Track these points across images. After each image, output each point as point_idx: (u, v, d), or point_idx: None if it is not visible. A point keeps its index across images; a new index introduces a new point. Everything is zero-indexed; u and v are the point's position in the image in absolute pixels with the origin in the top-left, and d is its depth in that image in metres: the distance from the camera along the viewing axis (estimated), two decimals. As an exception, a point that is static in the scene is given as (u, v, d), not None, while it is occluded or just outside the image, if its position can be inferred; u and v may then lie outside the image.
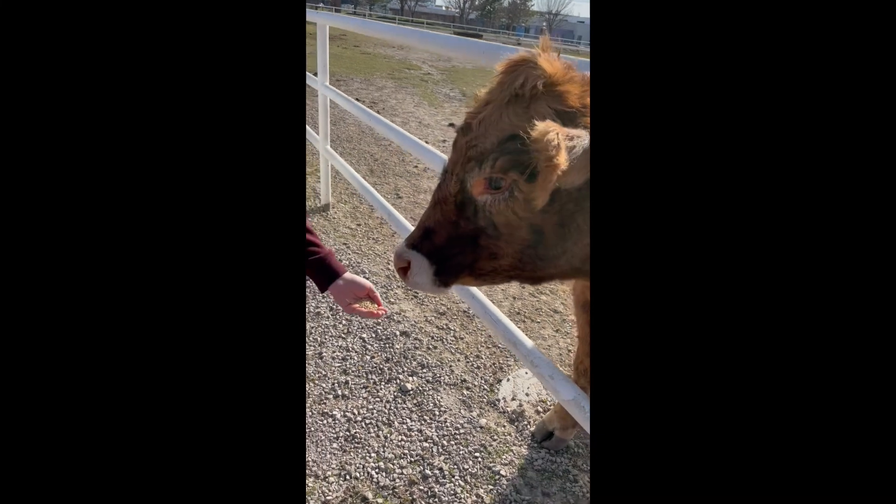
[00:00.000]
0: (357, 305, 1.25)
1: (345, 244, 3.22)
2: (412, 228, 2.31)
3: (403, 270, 1.09)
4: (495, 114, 0.97)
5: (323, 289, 1.25)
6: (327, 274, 1.23)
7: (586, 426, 1.35)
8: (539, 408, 2.10)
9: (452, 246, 1.04)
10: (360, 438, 1.84)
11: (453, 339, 2.44)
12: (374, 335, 2.39)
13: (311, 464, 1.72)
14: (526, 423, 2.01)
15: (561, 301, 2.90)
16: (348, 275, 1.26)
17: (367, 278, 2.83)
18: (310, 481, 1.66)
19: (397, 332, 2.42)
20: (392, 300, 2.67)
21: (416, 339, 2.40)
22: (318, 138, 3.59)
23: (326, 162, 3.60)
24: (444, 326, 2.51)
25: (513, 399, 2.12)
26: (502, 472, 1.77)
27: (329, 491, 1.63)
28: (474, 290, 1.81)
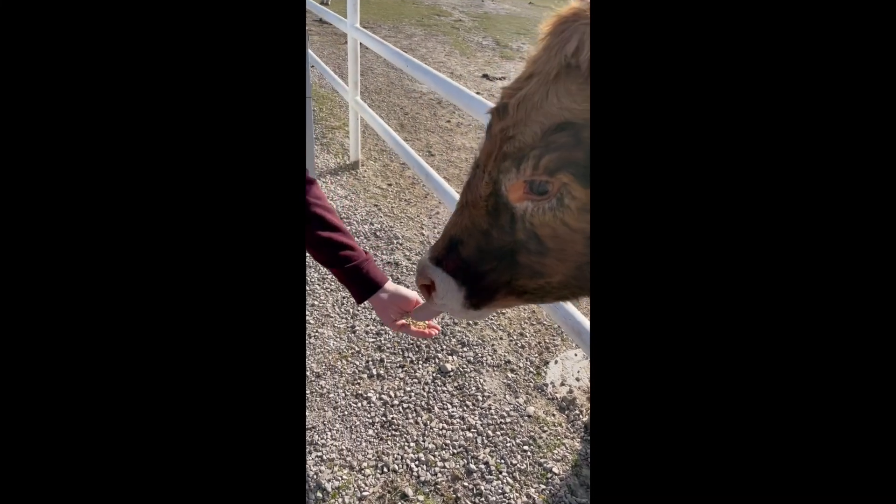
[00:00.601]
0: (405, 322, 1.03)
1: (376, 206, 2.99)
2: (448, 189, 2.09)
3: (427, 289, 0.88)
4: (539, 92, 0.70)
5: (361, 300, 1.03)
6: (366, 284, 1.01)
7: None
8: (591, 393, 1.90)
9: (484, 261, 0.80)
10: (398, 425, 1.69)
11: (494, 314, 2.23)
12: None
13: (345, 452, 1.58)
14: (578, 412, 1.81)
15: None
16: (391, 285, 1.04)
17: (399, 244, 2.62)
18: (344, 472, 1.52)
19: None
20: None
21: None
22: (346, 88, 3.29)
23: (356, 115, 3.31)
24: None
25: (562, 384, 1.92)
26: (554, 470, 1.60)
27: (365, 485, 1.49)
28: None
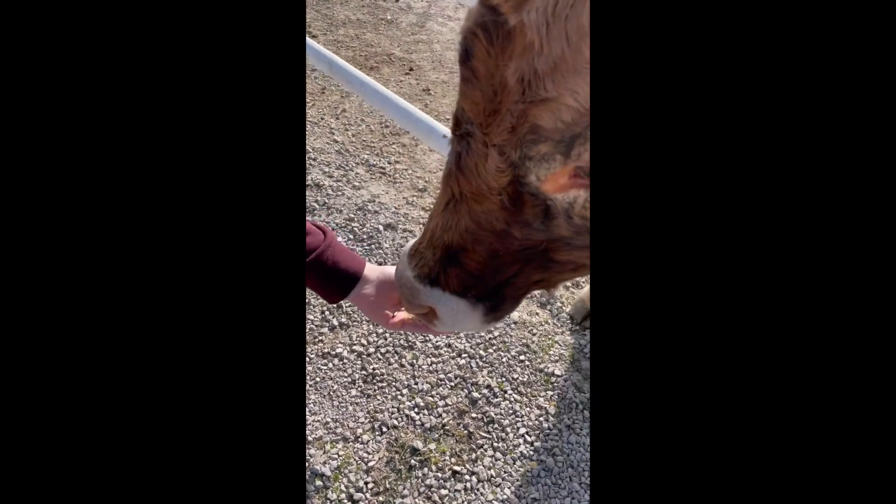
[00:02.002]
0: (402, 316, 0.74)
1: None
2: (353, 73, 1.64)
3: (425, 317, 0.65)
4: (580, 6, 0.39)
5: (335, 300, 0.71)
6: (337, 280, 0.69)
7: None
8: (567, 283, 1.81)
9: (503, 269, 0.57)
10: (382, 375, 1.47)
11: (446, 219, 1.98)
12: (352, 235, 1.86)
13: (332, 424, 1.35)
14: (560, 304, 1.72)
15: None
16: (372, 270, 0.73)
17: (312, 161, 2.15)
18: (339, 447, 1.31)
19: (380, 227, 1.90)
20: (356, 183, 2.07)
21: (404, 230, 1.91)
22: None
23: None
24: (432, 206, 2.02)
25: (537, 279, 1.80)
26: (556, 371, 1.52)
27: (368, 454, 1.30)
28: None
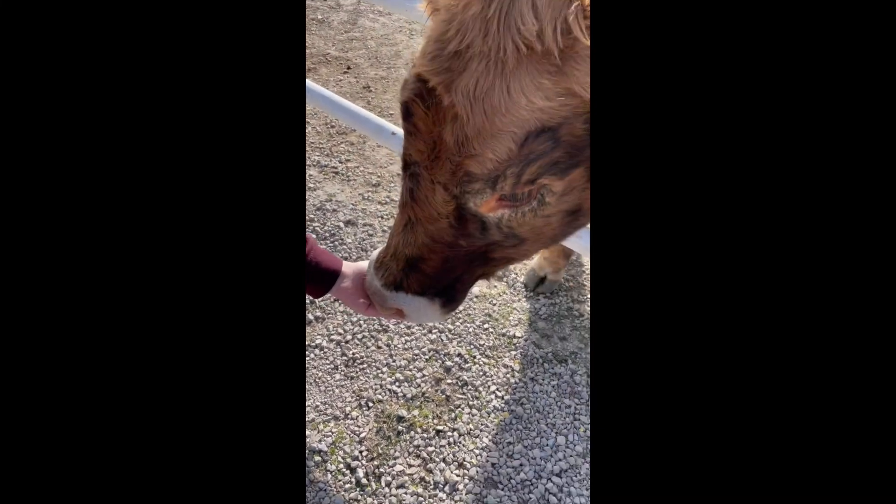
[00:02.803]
0: (379, 312, 0.86)
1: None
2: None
3: (395, 314, 0.81)
4: (497, 89, 0.54)
5: (319, 295, 0.85)
6: (319, 277, 0.83)
7: None
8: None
9: (453, 269, 0.73)
10: (362, 358, 1.60)
11: (402, 210, 2.11)
12: (314, 235, 1.95)
13: (322, 407, 1.48)
14: (514, 276, 1.91)
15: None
16: (348, 266, 0.86)
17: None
18: (331, 426, 1.44)
19: (340, 223, 2.00)
20: (310, 185, 2.16)
21: (365, 225, 2.02)
22: None
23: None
24: (387, 199, 2.14)
25: (491, 255, 1.98)
26: (517, 334, 1.71)
27: (358, 426, 1.44)
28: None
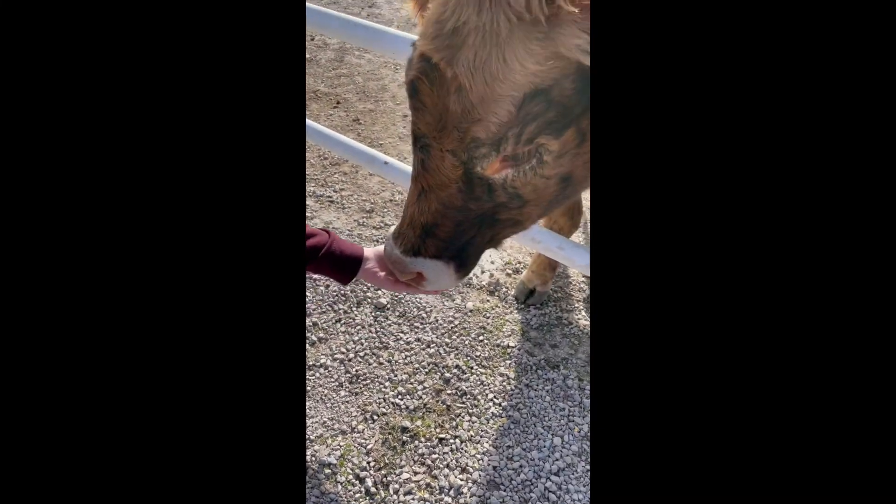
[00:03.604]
0: (401, 279, 0.91)
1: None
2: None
3: (415, 280, 0.86)
4: (493, 58, 0.62)
5: (348, 281, 0.95)
6: (347, 265, 0.92)
7: None
8: (507, 270, 2.11)
9: (465, 232, 0.81)
10: (365, 374, 1.69)
11: (396, 233, 2.22)
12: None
13: (329, 423, 1.55)
14: (505, 289, 2.02)
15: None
16: (369, 251, 0.96)
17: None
18: (339, 440, 1.51)
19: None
20: (307, 214, 2.27)
21: (361, 248, 2.13)
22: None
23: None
24: (381, 224, 2.26)
25: (483, 273, 2.08)
26: (511, 344, 1.81)
27: (365, 439, 1.52)
28: (402, 165, 1.56)
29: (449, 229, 0.79)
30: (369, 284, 1.96)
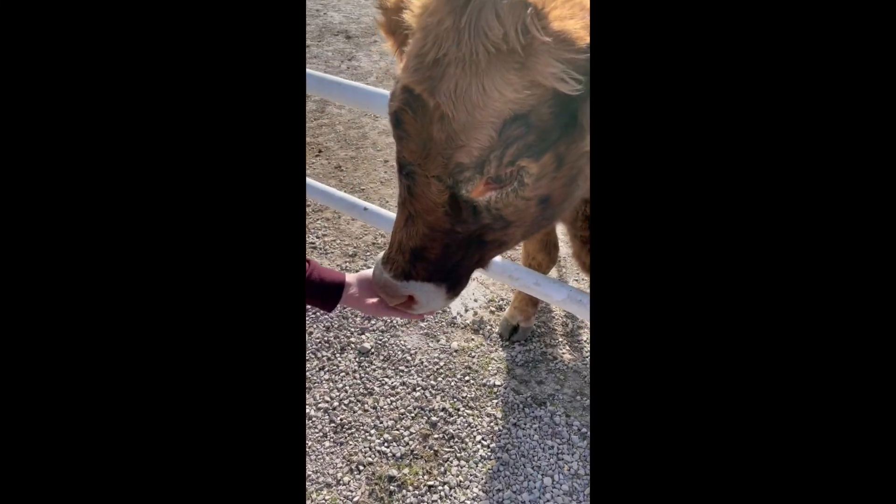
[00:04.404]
0: (391, 303, 0.91)
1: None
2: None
3: (405, 303, 0.87)
4: (473, 87, 0.66)
5: (332, 308, 0.94)
6: (328, 291, 0.92)
7: (586, 316, 1.38)
8: (491, 307, 2.13)
9: (453, 255, 0.83)
10: (350, 423, 1.66)
11: (379, 276, 2.24)
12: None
13: (314, 475, 1.51)
14: (489, 327, 2.03)
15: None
16: (350, 276, 0.96)
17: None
18: (324, 493, 1.47)
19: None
20: (291, 262, 2.28)
21: (344, 293, 2.13)
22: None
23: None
24: (363, 267, 2.27)
25: (466, 311, 2.09)
26: (496, 382, 1.80)
27: (351, 491, 1.47)
28: (381, 210, 1.60)
29: (437, 252, 0.81)
30: (354, 321, 1.95)
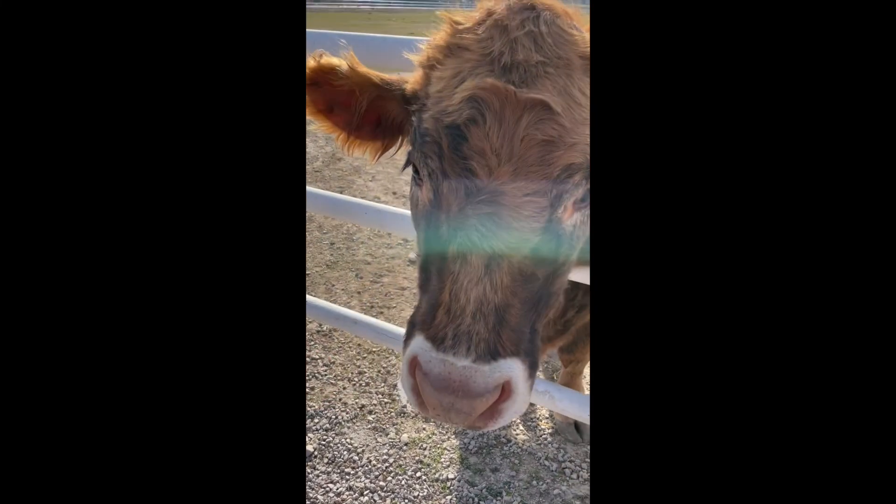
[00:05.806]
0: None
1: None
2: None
3: (488, 413, 0.59)
4: (574, 90, 0.62)
5: None
6: None
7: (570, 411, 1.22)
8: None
9: (529, 313, 0.63)
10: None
11: (325, 368, 2.16)
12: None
13: None
14: (441, 413, 1.96)
15: (402, 276, 2.84)
16: None
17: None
18: None
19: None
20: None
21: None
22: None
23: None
24: (308, 359, 2.19)
25: (417, 397, 2.03)
26: (450, 476, 1.71)
27: None
28: (317, 301, 1.56)
29: (518, 311, 0.60)
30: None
